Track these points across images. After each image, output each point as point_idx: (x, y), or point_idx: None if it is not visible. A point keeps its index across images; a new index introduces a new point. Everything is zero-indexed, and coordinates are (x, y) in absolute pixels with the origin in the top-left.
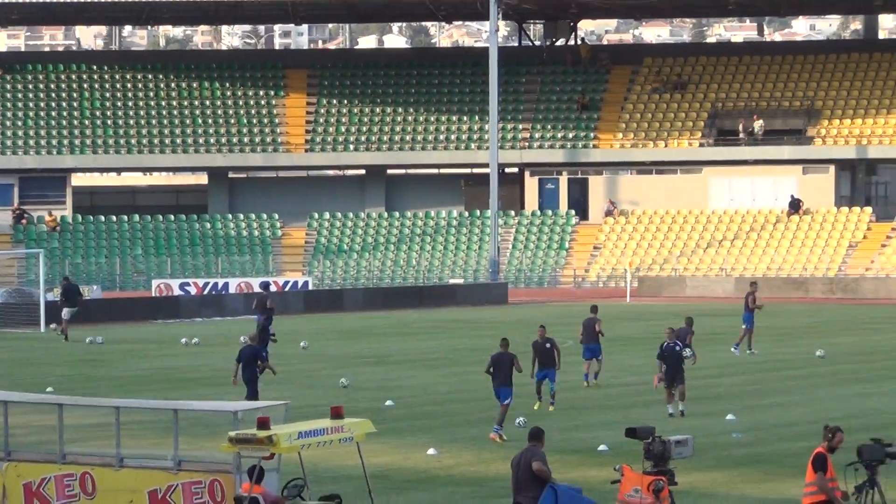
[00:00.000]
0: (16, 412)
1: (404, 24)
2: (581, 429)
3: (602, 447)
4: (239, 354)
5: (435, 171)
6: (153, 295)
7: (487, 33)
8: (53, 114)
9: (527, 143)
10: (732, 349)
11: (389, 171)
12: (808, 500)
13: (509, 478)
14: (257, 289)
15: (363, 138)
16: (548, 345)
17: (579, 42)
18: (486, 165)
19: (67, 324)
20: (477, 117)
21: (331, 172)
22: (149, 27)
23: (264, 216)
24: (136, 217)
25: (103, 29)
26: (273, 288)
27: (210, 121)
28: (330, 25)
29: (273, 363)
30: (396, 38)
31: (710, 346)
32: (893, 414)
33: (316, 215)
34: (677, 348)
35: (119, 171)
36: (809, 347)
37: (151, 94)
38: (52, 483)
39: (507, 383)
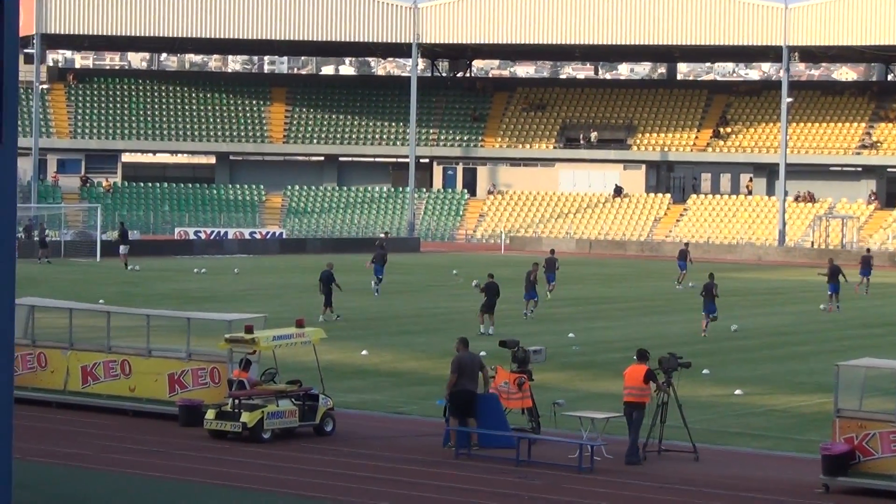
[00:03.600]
0: (77, 317)
1: (354, 59)
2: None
3: (482, 353)
4: (320, 275)
5: (372, 159)
6: (175, 238)
7: (410, 67)
8: (110, 112)
9: (435, 142)
10: (677, 286)
11: (341, 158)
12: (630, 399)
13: (419, 371)
14: (246, 237)
15: (323, 135)
16: (532, 277)
17: (474, 75)
18: (407, 156)
19: (126, 256)
20: (402, 123)
21: (300, 158)
22: (178, 55)
23: (254, 186)
24: (165, 185)
25: (147, 54)
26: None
27: (219, 120)
28: (302, 58)
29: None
30: (348, 68)
31: (561, 285)
32: (682, 336)
33: (289, 187)
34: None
35: (155, 152)
36: (625, 290)
37: (179, 100)
38: (101, 366)
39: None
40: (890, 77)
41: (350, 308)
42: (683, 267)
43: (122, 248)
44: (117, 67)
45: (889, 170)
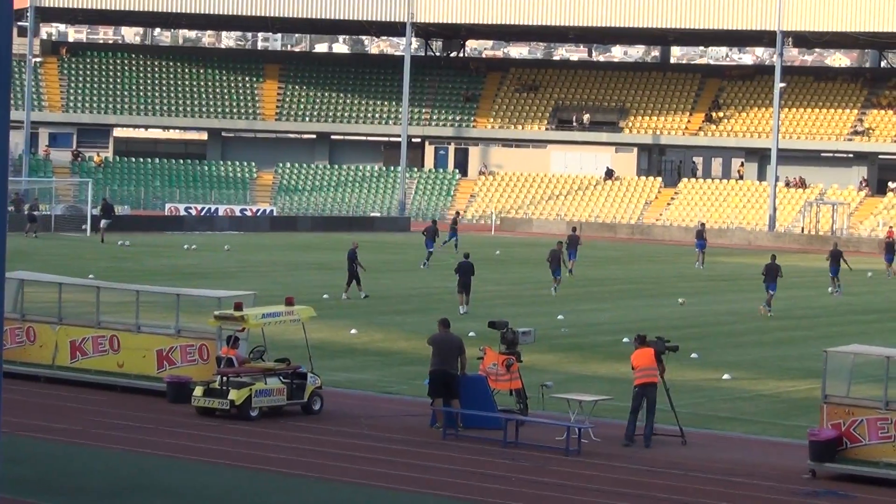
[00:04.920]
0: (67, 291)
1: (347, 37)
2: (457, 320)
3: (472, 333)
4: (348, 253)
5: (364, 137)
6: (166, 214)
7: (404, 46)
8: (103, 86)
9: (427, 122)
10: (699, 266)
11: (333, 137)
12: (645, 380)
13: (408, 351)
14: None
15: (316, 113)
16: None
17: (468, 55)
18: (399, 136)
19: (104, 231)
20: (394, 103)
21: (292, 135)
22: (172, 30)
23: (245, 163)
24: (157, 160)
25: (141, 29)
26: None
27: (211, 96)
28: (296, 35)
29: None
30: (341, 46)
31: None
32: (672, 319)
33: (280, 164)
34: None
35: (146, 127)
36: (615, 272)
37: (171, 75)
38: (90, 341)
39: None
40: (883, 64)
41: (340, 286)
42: (702, 247)
43: (103, 223)
44: (111, 41)
45: (880, 157)
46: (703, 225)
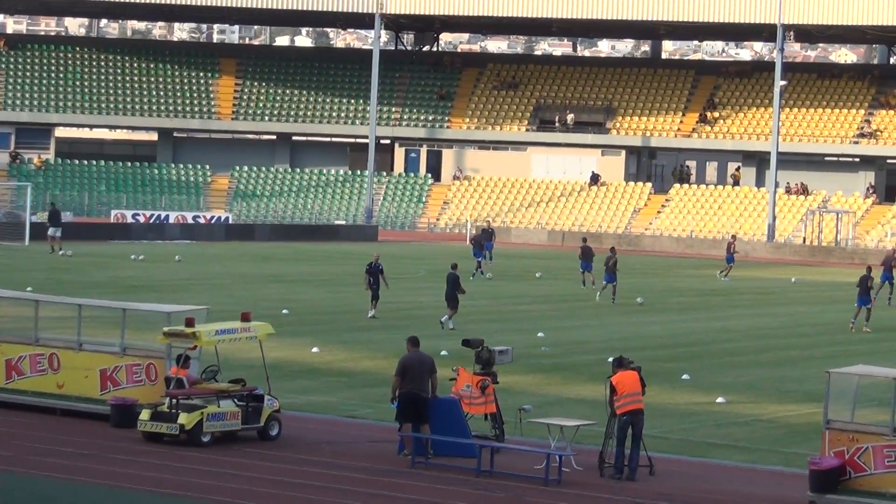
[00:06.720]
0: (2, 305)
1: (311, 29)
2: (429, 338)
3: (444, 352)
4: (367, 267)
5: (328, 139)
6: (112, 221)
7: (373, 39)
8: (45, 81)
9: (397, 122)
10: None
11: (294, 138)
12: (632, 407)
13: (374, 371)
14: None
15: (276, 112)
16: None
17: (442, 50)
18: (367, 137)
19: (53, 240)
20: (362, 101)
21: (250, 136)
22: (119, 21)
23: (199, 166)
24: (102, 162)
25: (86, 20)
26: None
27: (162, 93)
28: (255, 27)
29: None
30: (304, 39)
31: (518, 282)
32: (660, 337)
33: (237, 168)
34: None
35: (91, 126)
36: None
37: (119, 70)
38: (27, 360)
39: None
40: (892, 60)
41: (300, 301)
42: (731, 260)
43: (52, 231)
44: (53, 34)
45: (889, 161)
46: (734, 237)
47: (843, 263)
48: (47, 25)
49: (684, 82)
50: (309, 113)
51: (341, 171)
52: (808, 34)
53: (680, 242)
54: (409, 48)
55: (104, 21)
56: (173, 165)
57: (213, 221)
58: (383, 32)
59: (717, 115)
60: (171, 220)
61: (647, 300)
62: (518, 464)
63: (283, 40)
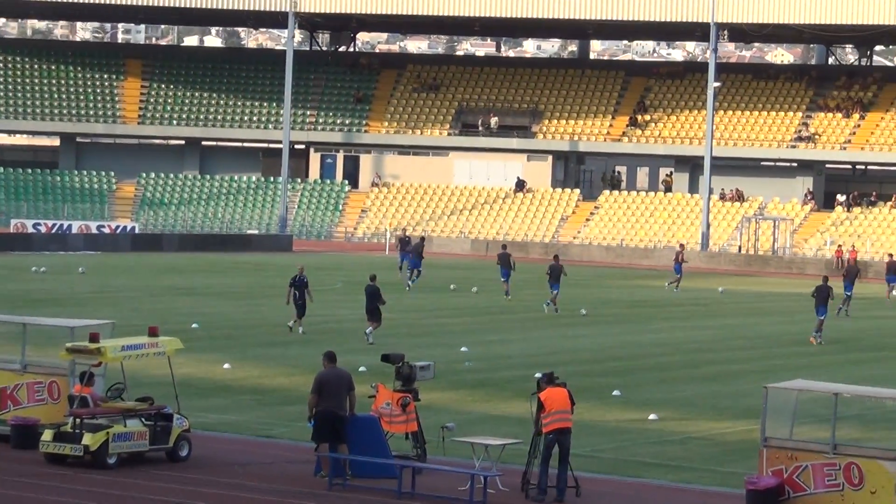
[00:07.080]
0: None
1: (221, 28)
2: (347, 353)
3: (362, 368)
4: (292, 280)
5: (239, 144)
6: (11, 231)
7: (286, 39)
8: None
9: (312, 126)
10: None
11: (204, 143)
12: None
13: (289, 388)
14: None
15: (184, 116)
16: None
17: (359, 50)
18: (280, 142)
19: None
20: (275, 104)
21: (157, 141)
22: (19, 20)
23: (103, 173)
24: (1, 169)
25: None
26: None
27: (64, 96)
28: (162, 26)
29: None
30: (214, 39)
31: (440, 294)
32: (589, 351)
33: (144, 174)
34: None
35: None
36: (527, 297)
37: (18, 72)
38: None
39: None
40: (830, 60)
41: (211, 315)
42: (678, 270)
43: None
44: None
45: (828, 166)
46: (682, 246)
47: (780, 273)
48: None
49: (613, 84)
50: (219, 117)
51: (253, 178)
52: (742, 33)
53: (609, 251)
54: (324, 48)
55: (2, 20)
56: (76, 172)
57: (118, 231)
58: (297, 32)
59: (647, 118)
60: (75, 230)
61: (589, 311)
62: (441, 485)
63: (191, 40)
